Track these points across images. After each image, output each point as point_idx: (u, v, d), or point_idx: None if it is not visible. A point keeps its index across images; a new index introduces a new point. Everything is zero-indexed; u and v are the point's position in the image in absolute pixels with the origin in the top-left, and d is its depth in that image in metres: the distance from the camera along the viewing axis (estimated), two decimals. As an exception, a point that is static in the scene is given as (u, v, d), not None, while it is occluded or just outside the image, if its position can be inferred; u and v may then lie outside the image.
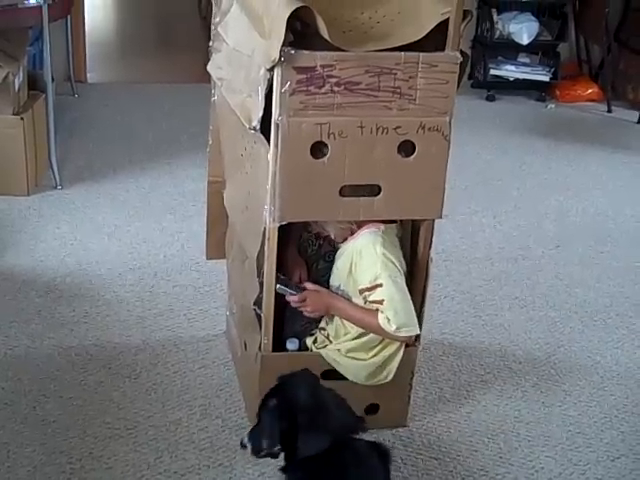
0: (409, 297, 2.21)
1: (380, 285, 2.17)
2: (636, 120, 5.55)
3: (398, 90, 2.03)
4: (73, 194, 3.87)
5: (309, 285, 2.30)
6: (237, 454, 2.28)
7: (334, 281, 2.33)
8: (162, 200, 3.87)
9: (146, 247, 3.41)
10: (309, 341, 2.37)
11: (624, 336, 3.00)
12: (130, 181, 4.04)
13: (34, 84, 3.99)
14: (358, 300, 2.25)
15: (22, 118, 3.72)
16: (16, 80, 3.71)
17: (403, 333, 2.19)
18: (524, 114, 5.62)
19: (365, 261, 2.21)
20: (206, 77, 2.53)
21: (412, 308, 2.21)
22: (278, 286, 2.22)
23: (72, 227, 3.55)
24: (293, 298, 2.25)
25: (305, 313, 2.28)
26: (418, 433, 2.43)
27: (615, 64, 5.93)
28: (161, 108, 5.15)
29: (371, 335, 2.26)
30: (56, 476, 2.18)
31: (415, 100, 2.05)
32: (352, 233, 2.27)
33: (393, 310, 2.17)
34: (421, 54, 2.01)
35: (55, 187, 3.89)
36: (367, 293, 2.21)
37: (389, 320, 2.16)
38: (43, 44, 3.84)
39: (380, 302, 2.18)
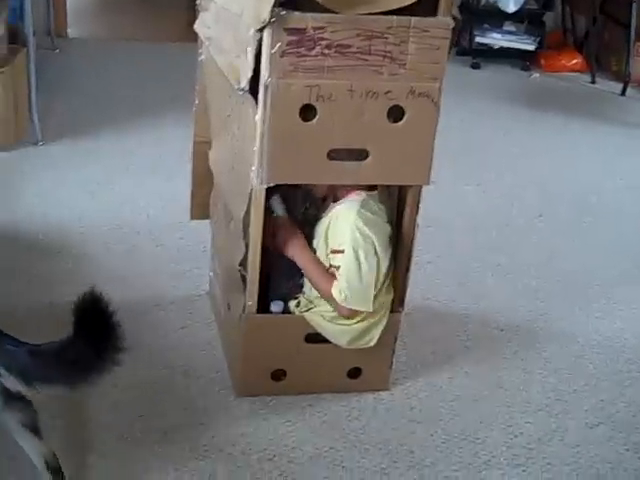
0: (370, 273, 2.17)
1: (342, 251, 2.17)
2: (619, 92, 5.55)
3: (389, 54, 2.01)
4: (55, 150, 3.82)
5: (292, 223, 2.30)
6: (219, 414, 2.29)
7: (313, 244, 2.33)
8: (146, 159, 3.83)
9: (129, 206, 3.39)
10: (292, 304, 2.36)
11: (604, 305, 3.03)
12: (113, 139, 4.00)
13: (14, 38, 3.90)
14: (326, 263, 2.25)
15: (2, 72, 3.65)
16: (-4, 33, 3.65)
17: (349, 306, 2.18)
18: (509, 83, 5.61)
19: (339, 227, 2.21)
20: (190, 36, 2.50)
21: (369, 284, 2.18)
22: (275, 198, 2.24)
23: (54, 184, 3.51)
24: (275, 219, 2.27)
25: (267, 241, 2.23)
26: (400, 397, 2.44)
27: (600, 36, 5.92)
28: (144, 66, 5.09)
29: None
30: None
31: (406, 65, 2.03)
32: (334, 200, 2.27)
33: (346, 280, 2.16)
34: (413, 19, 1.99)
35: (36, 143, 3.84)
36: (331, 255, 2.22)
37: (340, 290, 2.16)
38: (23, -3, 3.76)
39: (337, 268, 2.18)
